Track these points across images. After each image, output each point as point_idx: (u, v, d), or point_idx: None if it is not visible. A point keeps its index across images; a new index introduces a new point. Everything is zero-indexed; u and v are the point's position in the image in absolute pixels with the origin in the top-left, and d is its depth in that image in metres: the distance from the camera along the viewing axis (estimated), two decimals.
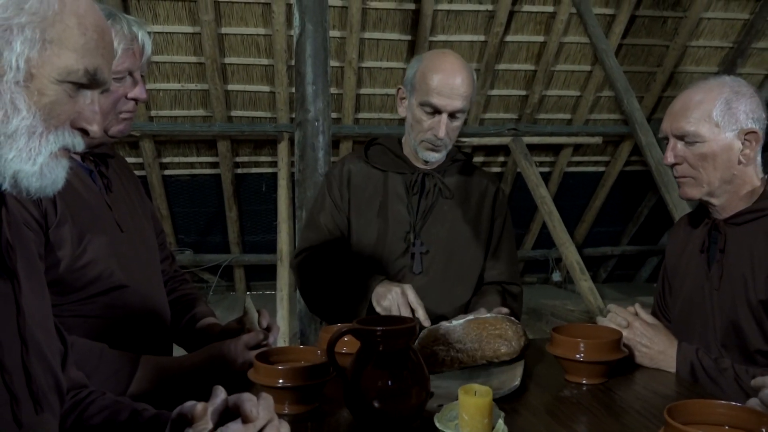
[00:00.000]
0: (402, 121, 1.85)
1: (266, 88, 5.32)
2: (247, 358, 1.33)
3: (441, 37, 5.21)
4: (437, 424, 1.06)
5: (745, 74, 5.73)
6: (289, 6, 4.68)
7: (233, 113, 5.45)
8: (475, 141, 5.77)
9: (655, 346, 1.44)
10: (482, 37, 5.27)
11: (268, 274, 5.93)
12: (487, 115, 5.81)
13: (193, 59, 5.06)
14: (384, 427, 1.09)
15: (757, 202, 1.45)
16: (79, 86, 0.81)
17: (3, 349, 0.80)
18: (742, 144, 1.44)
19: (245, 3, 4.84)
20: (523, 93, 5.70)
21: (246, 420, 0.82)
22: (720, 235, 1.49)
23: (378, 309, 1.58)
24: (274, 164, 5.67)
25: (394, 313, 1.53)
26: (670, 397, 1.27)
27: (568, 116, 5.95)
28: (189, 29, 4.91)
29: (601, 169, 6.35)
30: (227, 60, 5.11)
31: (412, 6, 5.03)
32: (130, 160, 5.36)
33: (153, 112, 5.31)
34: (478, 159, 6.08)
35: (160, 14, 4.84)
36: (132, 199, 1.50)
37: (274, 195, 5.50)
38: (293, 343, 4.10)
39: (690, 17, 5.31)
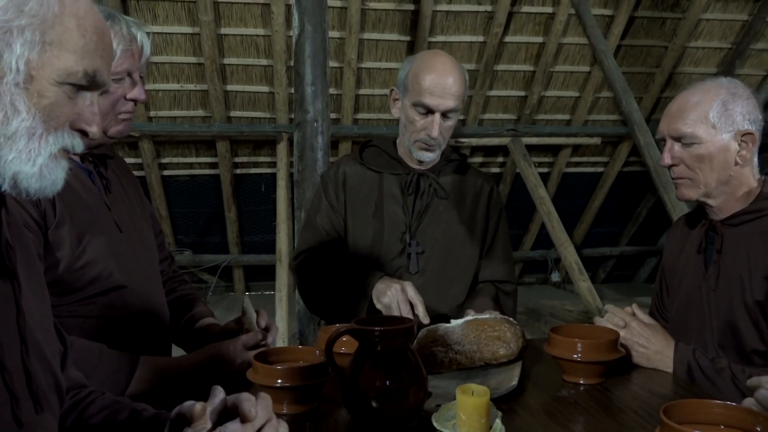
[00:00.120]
0: None
1: (265, 89, 5.32)
2: (246, 358, 1.33)
3: (440, 38, 5.22)
4: (435, 424, 1.07)
5: (743, 75, 5.74)
6: (288, 6, 4.68)
7: (232, 114, 5.46)
8: (474, 141, 5.77)
9: (652, 346, 1.45)
10: (481, 38, 5.28)
11: (267, 274, 5.93)
12: (486, 116, 5.82)
13: (192, 60, 5.07)
14: (382, 427, 1.09)
15: (754, 203, 1.45)
16: (79, 88, 0.81)
17: (3, 349, 0.81)
18: (739, 145, 1.44)
19: (244, 4, 4.84)
20: (522, 94, 5.70)
21: (244, 420, 0.82)
22: (717, 236, 1.49)
23: (378, 306, 1.58)
24: (273, 165, 5.67)
25: (394, 309, 1.54)
26: (667, 396, 1.28)
27: (566, 117, 5.95)
28: (188, 30, 4.91)
29: (600, 169, 6.36)
30: (226, 60, 5.11)
31: (411, 7, 5.03)
32: (129, 160, 5.36)
33: (152, 113, 5.31)
34: (477, 159, 6.09)
35: (159, 15, 4.84)
36: (131, 200, 1.51)
37: (273, 195, 5.51)
38: (292, 343, 4.10)
39: (689, 18, 5.32)
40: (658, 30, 5.46)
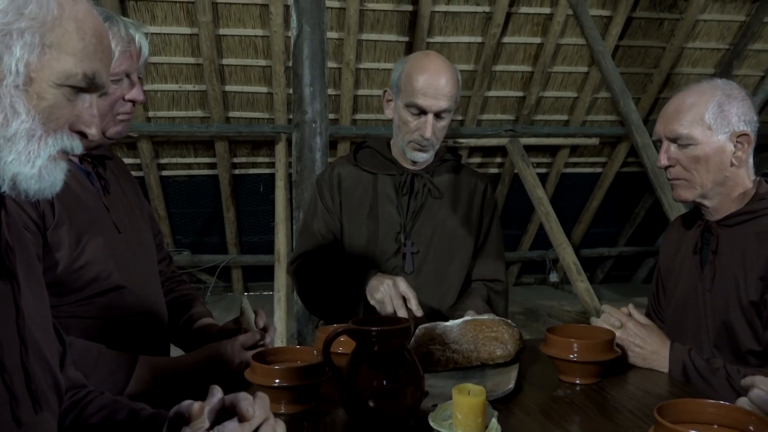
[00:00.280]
0: None
1: (264, 89, 5.33)
2: (244, 358, 1.34)
3: (438, 39, 5.23)
4: (431, 423, 1.07)
5: (741, 76, 5.75)
6: (286, 7, 4.69)
7: (231, 114, 5.46)
8: (473, 142, 5.78)
9: (648, 346, 1.45)
10: (479, 39, 5.28)
11: (266, 274, 5.93)
12: (485, 116, 5.83)
13: (190, 60, 5.07)
14: (379, 427, 1.10)
15: (749, 204, 1.46)
16: (78, 90, 0.82)
17: (3, 349, 0.81)
18: (735, 146, 1.45)
19: (243, 4, 4.84)
20: (520, 94, 5.71)
21: (242, 419, 0.83)
22: (712, 237, 1.50)
23: (372, 302, 1.58)
24: (271, 165, 5.67)
25: (387, 304, 1.53)
26: (662, 396, 1.28)
27: (565, 117, 5.96)
28: (187, 30, 4.91)
29: (598, 170, 6.37)
30: (225, 61, 5.11)
31: (409, 7, 5.04)
32: (127, 160, 5.36)
33: (151, 113, 5.31)
34: (475, 160, 6.10)
35: (157, 15, 4.84)
36: (129, 201, 1.51)
37: (272, 196, 5.51)
38: (290, 343, 4.10)
39: (686, 19, 5.33)
40: (656, 31, 5.47)
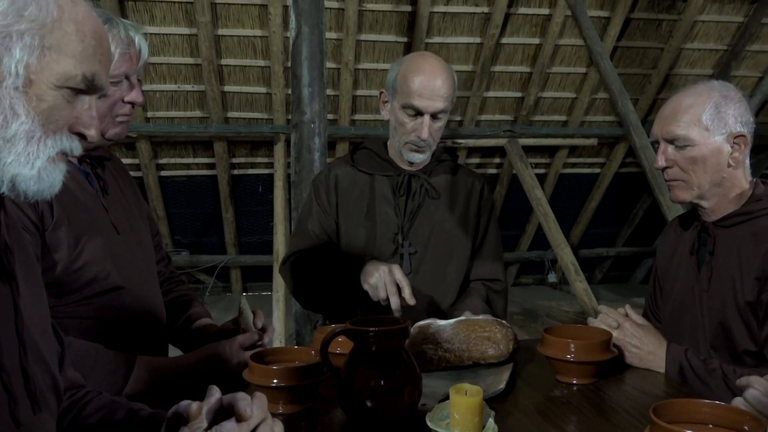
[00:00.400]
0: None
1: (263, 90, 5.33)
2: (242, 358, 1.34)
3: (437, 39, 5.23)
4: (429, 423, 1.08)
5: (739, 77, 5.76)
6: (285, 8, 4.69)
7: (230, 114, 5.46)
8: (471, 142, 5.79)
9: (644, 346, 1.46)
10: (478, 39, 5.29)
11: (265, 275, 5.93)
12: (483, 117, 5.83)
13: (189, 60, 5.07)
14: (377, 426, 1.10)
15: (746, 204, 1.47)
16: (77, 92, 0.82)
17: (2, 349, 0.81)
18: (731, 147, 1.46)
19: (242, 5, 4.84)
20: (519, 95, 5.72)
21: (240, 419, 0.83)
22: (709, 238, 1.51)
23: (365, 286, 1.56)
24: (270, 165, 5.68)
25: (380, 290, 1.51)
26: (659, 396, 1.29)
27: (563, 118, 5.97)
28: (185, 31, 4.92)
29: (597, 170, 6.38)
30: (224, 61, 5.11)
31: (408, 8, 5.04)
32: (126, 160, 5.37)
33: (149, 113, 5.31)
34: (473, 161, 6.10)
35: (156, 16, 4.85)
36: (128, 201, 1.52)
37: (271, 196, 5.51)
38: (289, 343, 4.11)
39: (684, 20, 5.34)
40: (654, 32, 5.48)
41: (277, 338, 4.14)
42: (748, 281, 1.41)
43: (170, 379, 1.30)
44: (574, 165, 6.30)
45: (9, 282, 0.85)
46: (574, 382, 1.34)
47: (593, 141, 5.97)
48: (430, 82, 1.68)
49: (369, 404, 1.08)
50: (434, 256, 1.81)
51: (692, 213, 1.61)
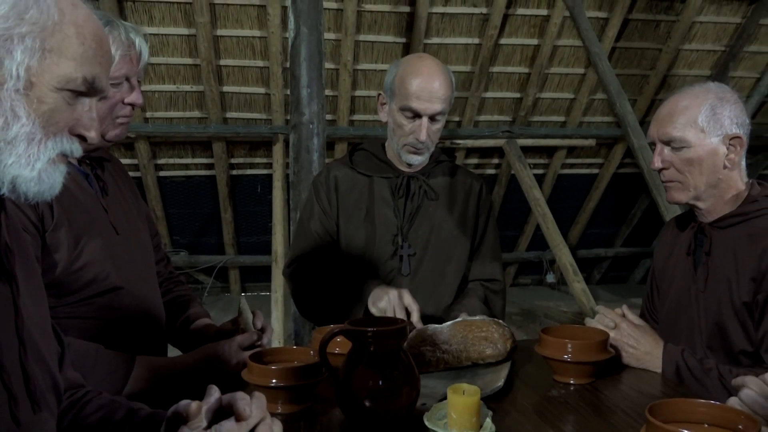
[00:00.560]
0: None
1: (261, 90, 5.33)
2: (241, 358, 1.35)
3: (435, 40, 5.24)
4: (426, 423, 1.09)
5: (737, 77, 5.78)
6: (284, 8, 4.69)
7: (228, 115, 5.47)
8: (470, 143, 5.80)
9: (641, 346, 1.47)
10: (476, 40, 5.30)
11: (263, 275, 5.94)
12: (482, 118, 5.84)
13: (188, 61, 5.07)
14: (375, 426, 1.11)
15: (742, 206, 1.48)
16: (78, 94, 0.82)
17: (2, 350, 0.82)
18: (727, 149, 1.47)
19: (240, 5, 4.85)
20: (517, 95, 5.73)
21: (239, 418, 0.84)
22: (706, 239, 1.52)
23: (373, 310, 1.60)
24: (269, 166, 5.68)
25: (389, 313, 1.55)
26: (655, 396, 1.29)
27: (561, 119, 5.98)
28: (184, 31, 4.92)
29: (595, 171, 6.39)
30: (222, 62, 5.12)
31: (406, 9, 5.05)
32: (125, 161, 5.37)
33: (148, 114, 5.31)
34: (472, 161, 6.11)
35: (155, 16, 4.85)
36: (127, 202, 1.52)
37: (269, 196, 5.51)
38: (288, 344, 4.11)
39: (683, 21, 5.35)
40: (652, 32, 5.49)
41: (275, 338, 4.14)
42: (744, 282, 1.41)
43: (170, 379, 1.30)
44: (572, 165, 6.31)
45: (9, 282, 0.86)
46: (572, 382, 1.35)
47: (591, 141, 5.98)
48: (428, 84, 1.68)
49: (367, 404, 1.09)
50: (433, 257, 1.81)
51: (689, 214, 1.62)
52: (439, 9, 5.06)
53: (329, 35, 4.99)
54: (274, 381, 1.19)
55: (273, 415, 0.91)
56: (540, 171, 6.23)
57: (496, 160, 6.15)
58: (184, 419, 0.83)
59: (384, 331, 1.10)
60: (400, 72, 1.73)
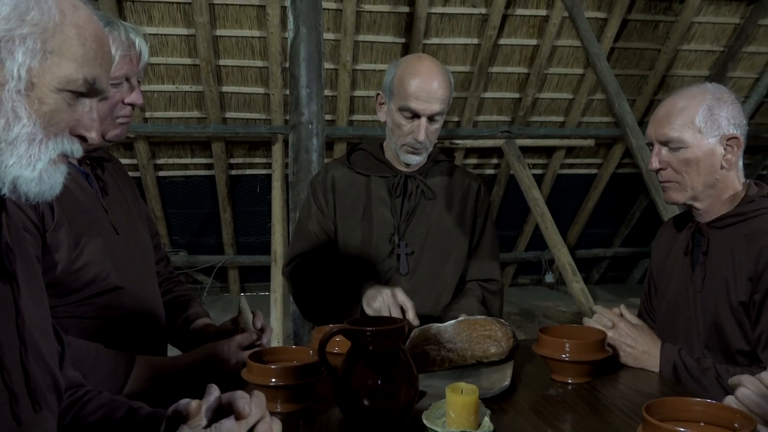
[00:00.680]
0: None
1: (261, 90, 5.34)
2: (241, 357, 1.35)
3: (435, 40, 5.24)
4: (425, 422, 1.09)
5: (735, 78, 5.79)
6: (283, 9, 4.70)
7: (228, 115, 5.47)
8: (469, 143, 5.80)
9: (639, 346, 1.48)
10: (476, 40, 5.30)
11: (263, 275, 5.94)
12: (481, 118, 5.85)
13: (187, 61, 5.08)
14: (374, 425, 1.12)
15: (739, 206, 1.48)
16: (78, 95, 0.83)
17: (2, 349, 0.82)
18: (725, 149, 1.47)
19: (240, 5, 4.85)
20: (516, 96, 5.74)
21: (239, 417, 0.84)
22: (703, 239, 1.52)
23: (368, 310, 1.60)
24: (268, 166, 5.69)
25: (384, 313, 1.56)
26: (653, 395, 1.30)
27: (560, 119, 5.99)
28: (184, 31, 4.93)
29: (594, 171, 6.40)
30: (222, 62, 5.12)
31: (406, 9, 5.06)
32: (124, 161, 5.37)
33: (148, 114, 5.32)
34: (471, 161, 6.12)
35: (154, 16, 4.85)
36: (127, 202, 1.52)
37: (269, 196, 5.52)
38: (287, 343, 4.12)
39: (681, 21, 5.36)
40: (651, 33, 5.50)
41: (274, 338, 4.15)
42: (741, 282, 1.42)
43: (169, 379, 1.31)
44: (571, 166, 6.32)
45: (10, 282, 0.86)
46: (570, 381, 1.36)
47: (590, 142, 5.99)
48: (426, 84, 1.69)
49: (366, 403, 1.09)
50: (431, 256, 1.82)
51: (686, 214, 1.63)
52: (438, 9, 5.07)
53: (328, 35, 5.00)
54: (273, 380, 1.19)
55: (272, 413, 0.91)
56: (539, 171, 6.24)
57: (495, 160, 6.16)
58: (184, 418, 0.83)
59: (383, 330, 1.10)
60: (399, 72, 1.73)
